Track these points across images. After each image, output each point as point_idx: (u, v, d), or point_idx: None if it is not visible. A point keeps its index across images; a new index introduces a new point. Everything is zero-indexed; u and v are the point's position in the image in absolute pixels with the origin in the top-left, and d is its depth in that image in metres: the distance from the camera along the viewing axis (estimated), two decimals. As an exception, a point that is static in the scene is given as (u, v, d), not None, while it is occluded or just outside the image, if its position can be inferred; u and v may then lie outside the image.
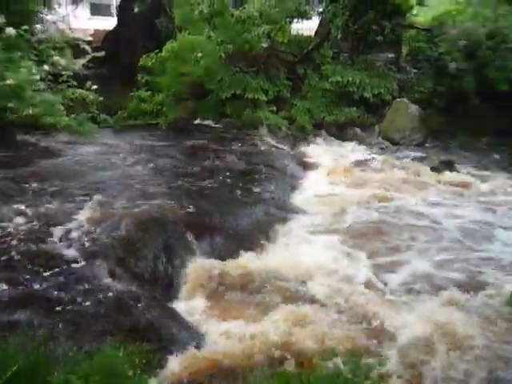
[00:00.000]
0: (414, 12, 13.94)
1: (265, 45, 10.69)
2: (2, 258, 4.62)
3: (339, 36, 11.80)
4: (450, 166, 9.79)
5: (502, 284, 4.99)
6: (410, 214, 7.05)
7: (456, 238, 6.30)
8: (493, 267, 5.46)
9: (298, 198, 7.86)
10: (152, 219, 6.08)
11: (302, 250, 5.89)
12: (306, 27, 14.13)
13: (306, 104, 12.50)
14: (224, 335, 4.23)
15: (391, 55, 14.33)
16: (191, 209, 6.53)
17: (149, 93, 11.35)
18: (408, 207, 7.31)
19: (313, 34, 14.14)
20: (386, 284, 5.15)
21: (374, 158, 10.31)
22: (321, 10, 13.81)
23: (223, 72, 10.68)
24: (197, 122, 11.78)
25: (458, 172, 9.44)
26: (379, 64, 13.77)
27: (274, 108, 12.34)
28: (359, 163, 9.96)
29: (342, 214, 6.98)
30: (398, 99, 12.43)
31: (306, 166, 9.78)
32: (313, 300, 4.73)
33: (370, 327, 4.28)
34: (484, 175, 9.38)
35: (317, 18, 14.26)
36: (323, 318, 4.37)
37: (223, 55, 10.54)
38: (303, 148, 11.10)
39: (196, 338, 4.28)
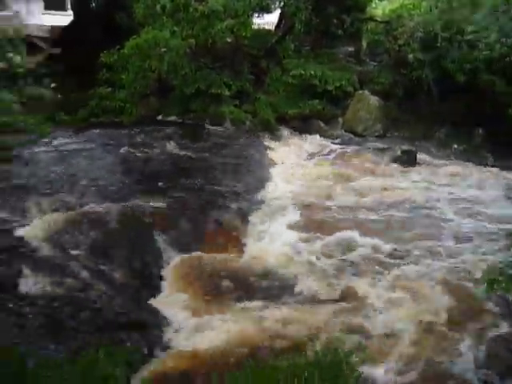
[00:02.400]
0: (373, 6, 14.19)
1: (229, 39, 10.63)
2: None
3: (302, 30, 11.84)
4: (410, 155, 10.08)
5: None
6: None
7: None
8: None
9: (267, 193, 7.93)
10: (124, 217, 6.03)
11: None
12: (266, 21, 14.18)
13: (269, 98, 12.51)
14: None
15: (352, 48, 14.55)
16: (160, 206, 6.51)
17: (110, 90, 11.10)
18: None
19: (273, 28, 14.19)
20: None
21: (335, 150, 10.47)
22: (281, 3, 13.82)
23: (188, 67, 10.57)
24: (161, 118, 11.62)
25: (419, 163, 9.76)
26: (340, 57, 13.93)
27: (238, 102, 12.30)
28: (321, 156, 10.14)
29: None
30: (360, 91, 12.63)
31: (270, 161, 9.84)
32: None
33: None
34: (442, 163, 9.76)
35: (276, 11, 14.29)
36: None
37: (188, 50, 10.41)
38: (266, 142, 11.13)
39: (175, 332, 4.30)
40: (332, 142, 11.12)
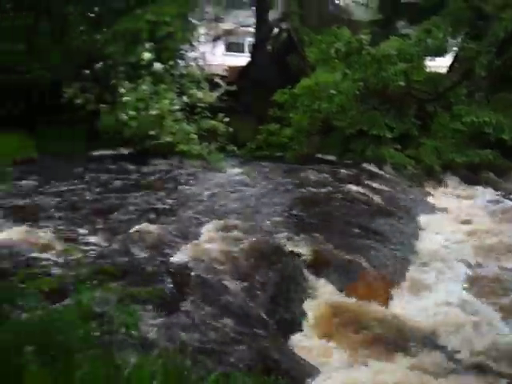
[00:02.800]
0: None
1: (402, 83, 10.50)
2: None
3: (482, 74, 11.14)
4: None
5: None
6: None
7: None
8: None
9: (423, 244, 7.46)
10: (273, 250, 6.18)
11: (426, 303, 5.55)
12: (437, 64, 13.72)
13: (434, 143, 11.95)
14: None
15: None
16: (315, 243, 6.52)
17: (278, 126, 11.73)
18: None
19: (443, 70, 13.65)
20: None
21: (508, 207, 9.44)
22: (455, 47, 13.27)
23: (355, 109, 10.70)
24: (319, 156, 11.86)
25: None
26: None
27: (399, 146, 11.98)
28: (491, 210, 9.21)
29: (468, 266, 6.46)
30: (541, 143, 11.35)
31: (432, 209, 9.29)
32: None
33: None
34: None
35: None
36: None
37: (357, 93, 10.58)
38: (429, 189, 10.59)
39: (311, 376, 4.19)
40: (506, 197, 10.07)
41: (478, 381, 4.18)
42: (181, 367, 2.94)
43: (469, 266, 6.40)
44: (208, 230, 6.32)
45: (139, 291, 2.21)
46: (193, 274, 5.11)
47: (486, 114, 11.90)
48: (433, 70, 13.65)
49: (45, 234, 5.70)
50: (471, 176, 11.43)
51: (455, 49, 13.21)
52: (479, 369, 4.36)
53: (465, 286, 5.80)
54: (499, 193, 10.51)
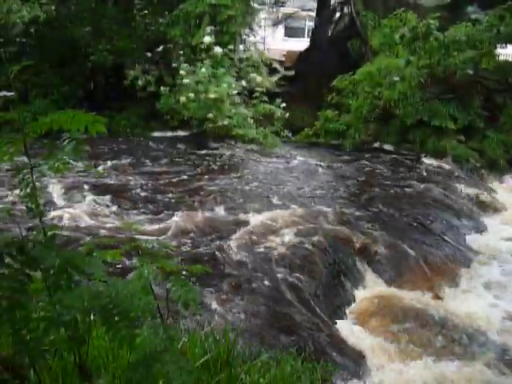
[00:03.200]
0: None
1: (470, 71, 9.98)
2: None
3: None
4: None
5: None
6: None
7: None
8: None
9: (480, 241, 7.16)
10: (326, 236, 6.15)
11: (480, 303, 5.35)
12: (508, 52, 12.94)
13: (501, 136, 11.34)
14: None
15: None
16: (367, 233, 6.43)
17: (336, 113, 11.55)
18: None
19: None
20: None
21: None
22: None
23: (418, 97, 10.31)
24: (377, 145, 11.59)
25: None
26: None
27: (463, 138, 11.47)
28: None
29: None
30: None
31: (494, 207, 8.87)
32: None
33: None
34: None
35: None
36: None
37: (422, 80, 10.19)
38: (492, 185, 10.10)
39: (360, 367, 4.16)
40: None
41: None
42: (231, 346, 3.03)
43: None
44: (263, 217, 6.40)
45: (194, 268, 2.28)
46: (245, 258, 5.23)
47: (562, 106, 11.16)
48: (504, 58, 12.94)
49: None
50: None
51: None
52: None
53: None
54: None
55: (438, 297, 5.55)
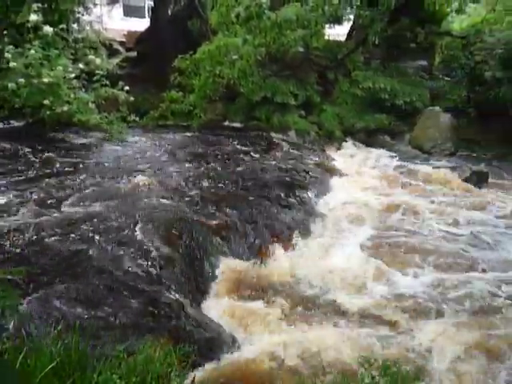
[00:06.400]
0: (450, 20, 13.73)
1: (301, 49, 10.62)
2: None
3: (376, 41, 11.65)
4: (482, 176, 9.58)
5: None
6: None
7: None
8: None
9: (324, 204, 7.79)
10: (184, 220, 6.10)
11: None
12: (336, 32, 14.11)
13: (335, 109, 12.42)
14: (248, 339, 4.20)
15: (424, 63, 14.14)
16: (222, 211, 6.53)
17: (180, 94, 11.41)
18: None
19: (342, 38, 14.09)
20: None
21: (402, 166, 10.16)
22: (355, 14, 13.71)
23: (257, 75, 10.70)
24: (226, 123, 11.82)
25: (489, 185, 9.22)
26: (411, 71, 13.60)
27: (303, 113, 12.29)
28: (386, 171, 9.84)
29: (365, 221, 6.90)
30: (430, 107, 12.24)
31: (333, 172, 9.70)
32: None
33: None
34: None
35: (346, 23, 14.18)
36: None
37: (258, 58, 10.54)
38: (331, 153, 11.02)
39: (226, 341, 4.26)
40: (399, 158, 10.79)
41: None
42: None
43: (367, 226, 6.79)
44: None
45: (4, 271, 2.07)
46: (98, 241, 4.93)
47: (382, 80, 12.54)
48: (333, 37, 14.08)
49: None
50: (369, 140, 12.08)
51: (352, 17, 13.66)
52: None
53: (361, 245, 6.14)
54: (394, 154, 11.25)
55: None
